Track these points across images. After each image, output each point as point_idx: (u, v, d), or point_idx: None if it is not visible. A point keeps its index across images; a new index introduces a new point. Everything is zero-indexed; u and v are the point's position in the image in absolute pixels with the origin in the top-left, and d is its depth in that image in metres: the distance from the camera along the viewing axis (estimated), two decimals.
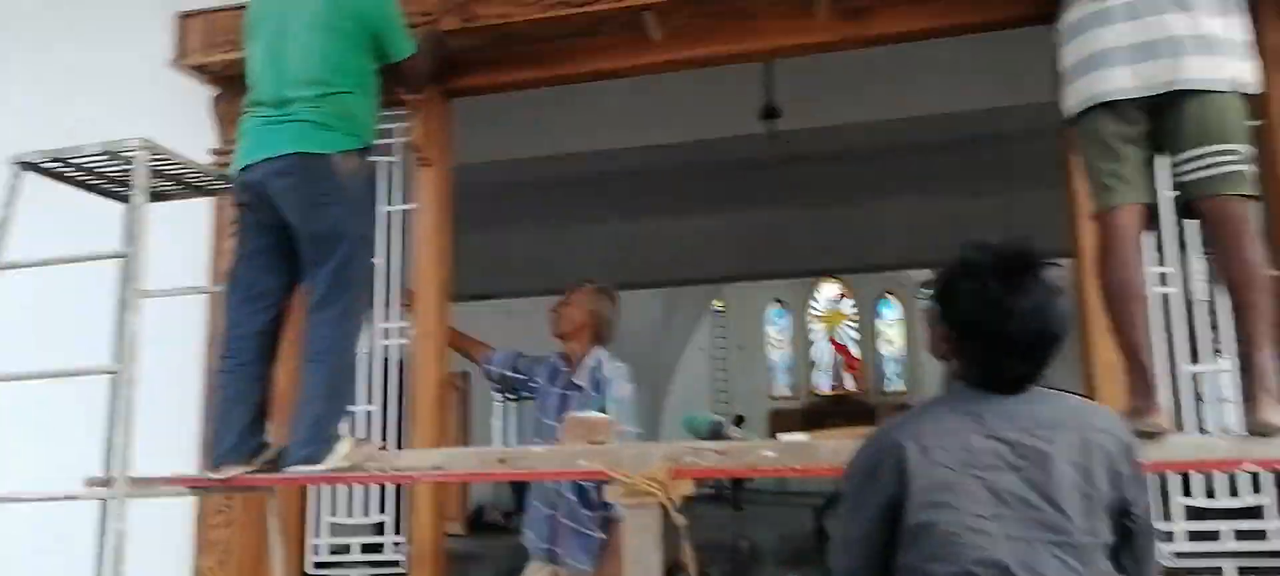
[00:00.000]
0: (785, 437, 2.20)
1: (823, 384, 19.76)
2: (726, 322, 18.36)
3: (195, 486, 2.42)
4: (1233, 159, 1.97)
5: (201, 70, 3.18)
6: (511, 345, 3.33)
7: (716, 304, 17.80)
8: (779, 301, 19.89)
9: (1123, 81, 2.00)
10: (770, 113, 5.32)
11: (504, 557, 8.34)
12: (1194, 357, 2.54)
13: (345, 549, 3.11)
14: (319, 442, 2.26)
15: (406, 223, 3.14)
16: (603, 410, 2.91)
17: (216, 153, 3.20)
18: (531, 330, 6.86)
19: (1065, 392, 1.59)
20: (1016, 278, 1.50)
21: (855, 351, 19.63)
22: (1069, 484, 1.44)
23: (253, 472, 2.31)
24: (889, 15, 2.80)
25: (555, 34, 2.94)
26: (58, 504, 2.30)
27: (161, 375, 2.52)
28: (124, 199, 2.61)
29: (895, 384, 19.26)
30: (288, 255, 2.39)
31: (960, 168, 7.29)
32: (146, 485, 2.26)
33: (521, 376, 3.22)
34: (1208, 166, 1.97)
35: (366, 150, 2.48)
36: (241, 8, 2.78)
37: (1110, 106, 2.02)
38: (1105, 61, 2.01)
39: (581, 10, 2.82)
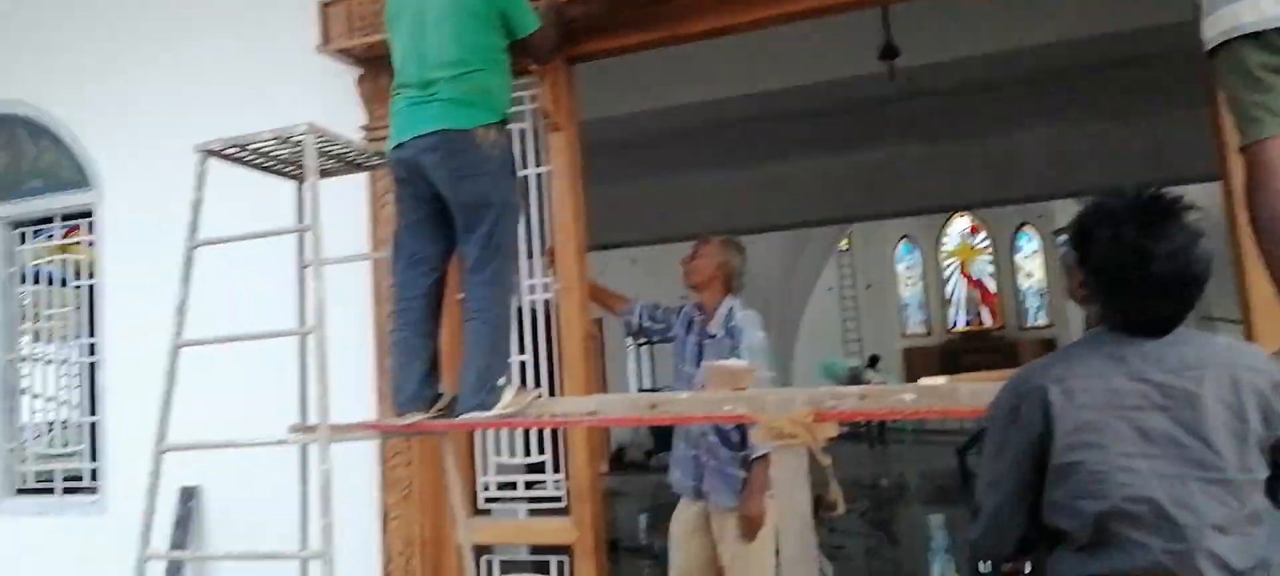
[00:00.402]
0: (925, 382, 2.27)
1: (958, 321, 19.24)
2: (853, 262, 18.07)
3: (383, 431, 2.73)
4: None
5: (345, 53, 3.45)
6: (638, 292, 3.52)
7: (842, 244, 17.52)
8: (907, 238, 19.41)
9: (1269, 9, 1.93)
10: (889, 52, 5.24)
11: (646, 493, 8.73)
12: None
13: (511, 486, 3.40)
14: (486, 392, 2.51)
15: (542, 184, 3.34)
16: (737, 357, 3.06)
17: (365, 128, 3.48)
18: (655, 275, 7.09)
19: (1212, 333, 1.59)
20: (1155, 223, 1.50)
21: (991, 286, 18.98)
22: (1219, 422, 1.45)
23: (431, 419, 2.59)
24: None
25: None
26: (256, 449, 2.65)
27: (334, 334, 2.81)
28: (292, 177, 2.93)
29: (1037, 318, 18.55)
30: (444, 222, 2.63)
31: (1098, 93, 6.94)
32: (343, 431, 2.57)
33: (660, 326, 3.39)
34: None
35: (505, 122, 2.68)
36: None
37: (1255, 36, 1.95)
38: None
39: None
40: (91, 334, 4.08)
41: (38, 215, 4.14)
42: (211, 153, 2.63)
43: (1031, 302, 18.70)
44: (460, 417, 2.52)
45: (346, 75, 3.52)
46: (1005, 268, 18.82)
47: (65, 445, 4.10)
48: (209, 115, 3.66)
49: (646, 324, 3.41)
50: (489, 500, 3.42)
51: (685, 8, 3.10)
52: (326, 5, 3.47)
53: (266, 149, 2.68)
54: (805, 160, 8.30)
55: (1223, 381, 1.49)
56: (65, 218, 4.09)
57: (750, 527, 3.03)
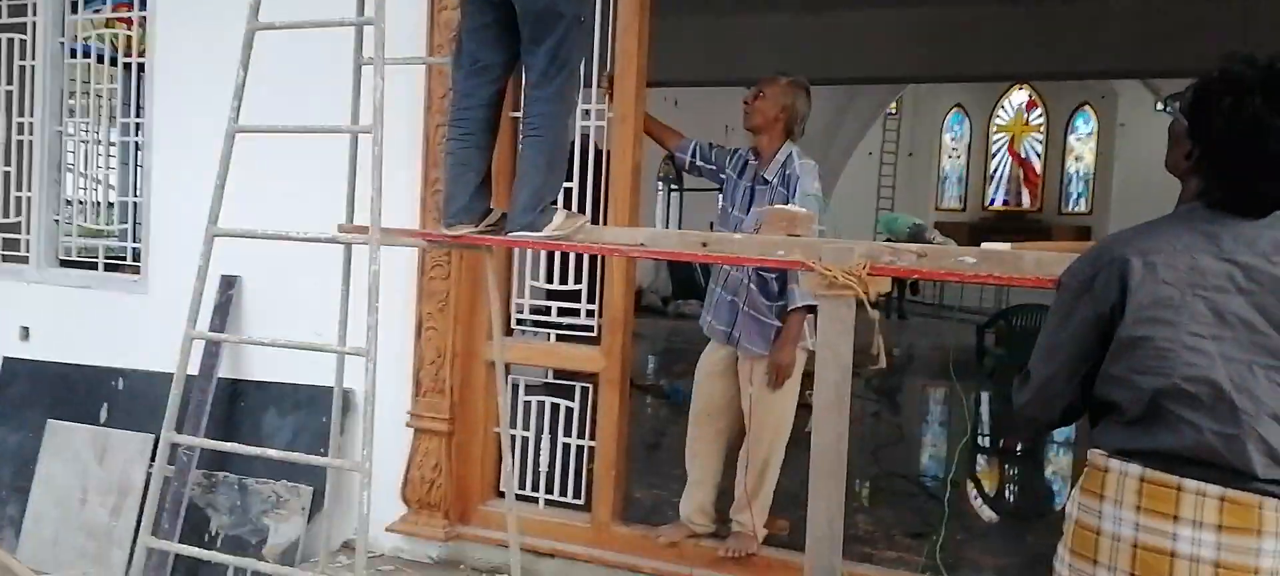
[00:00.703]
0: (987, 246, 2.20)
1: (996, 199, 18.88)
2: (900, 128, 17.57)
3: (431, 240, 2.71)
4: None
5: None
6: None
7: (891, 107, 17.01)
8: (959, 108, 18.81)
9: None
10: None
11: (660, 337, 8.83)
12: None
13: (545, 310, 3.42)
14: (538, 211, 2.46)
15: (607, 6, 3.18)
16: (791, 205, 2.98)
17: None
18: (700, 120, 6.90)
19: None
20: None
21: (1037, 167, 18.51)
22: None
23: (480, 233, 2.55)
24: None
25: None
26: (296, 246, 2.65)
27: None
28: None
29: (1077, 204, 18.17)
30: (510, 30, 2.48)
31: None
32: (392, 235, 2.55)
33: (712, 165, 3.30)
34: None
35: None
36: None
37: None
38: None
39: None
40: (135, 115, 4.05)
41: None
42: None
43: (1075, 188, 18.27)
44: (510, 234, 2.48)
45: None
46: (1055, 148, 18.29)
47: (108, 223, 4.14)
48: None
49: (698, 162, 3.31)
50: (519, 322, 3.45)
51: None
52: None
53: None
54: (869, 10, 7.93)
55: None
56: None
57: (779, 375, 3.04)
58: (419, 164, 3.37)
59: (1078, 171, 18.23)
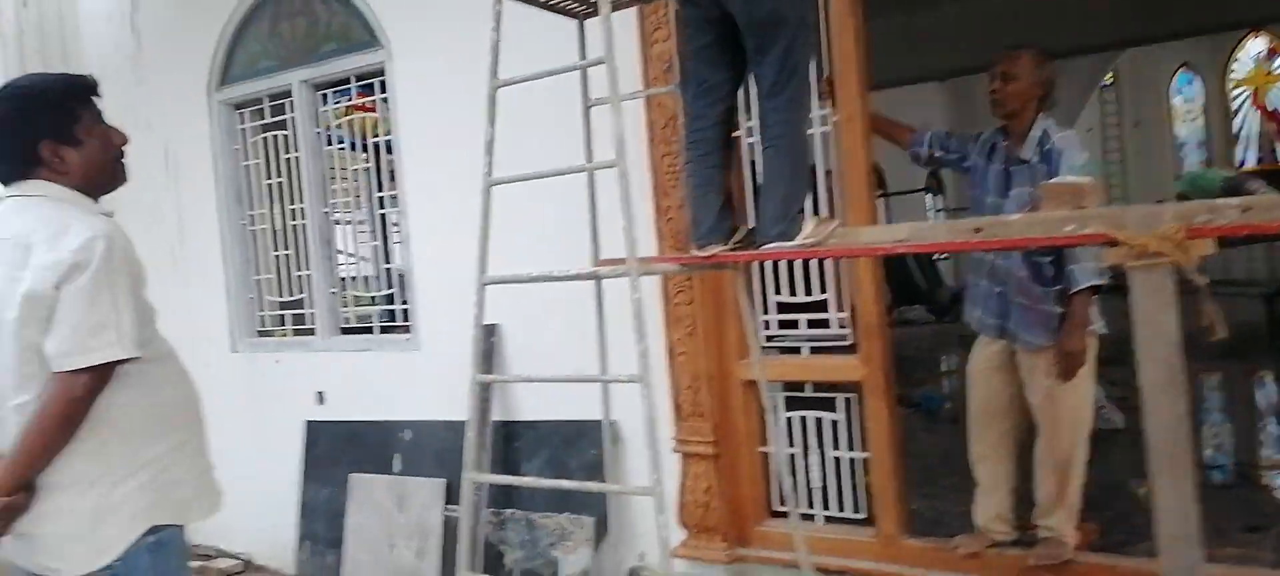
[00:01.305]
0: None
1: (1247, 159, 16.82)
2: (1120, 98, 16.11)
3: (686, 263, 2.73)
4: None
5: None
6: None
7: (1107, 78, 15.63)
8: (1186, 67, 16.98)
9: None
10: None
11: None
12: None
13: (793, 324, 3.36)
14: (789, 220, 2.41)
15: (823, 7, 3.11)
16: None
17: None
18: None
19: None
20: None
21: None
22: None
23: (731, 250, 2.54)
24: None
25: None
26: (546, 289, 2.68)
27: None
28: (573, 15, 2.87)
29: None
30: (733, 47, 2.47)
31: None
32: (649, 263, 2.59)
33: (954, 155, 3.13)
34: None
35: None
36: None
37: None
38: None
39: None
40: (381, 189, 4.42)
41: (334, 77, 4.44)
42: None
43: None
44: (764, 248, 2.45)
45: None
46: None
47: (374, 293, 4.53)
48: None
49: (938, 154, 3.15)
50: (769, 338, 3.41)
51: None
52: None
53: None
54: None
55: None
56: (359, 78, 4.37)
57: (1070, 364, 2.80)
58: (650, 194, 3.42)
59: None
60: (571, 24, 2.86)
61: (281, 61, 4.52)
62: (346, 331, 4.58)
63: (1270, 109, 16.63)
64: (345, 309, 4.61)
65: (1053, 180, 2.30)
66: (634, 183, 3.31)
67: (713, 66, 2.53)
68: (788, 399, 3.40)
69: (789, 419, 3.35)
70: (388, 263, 4.53)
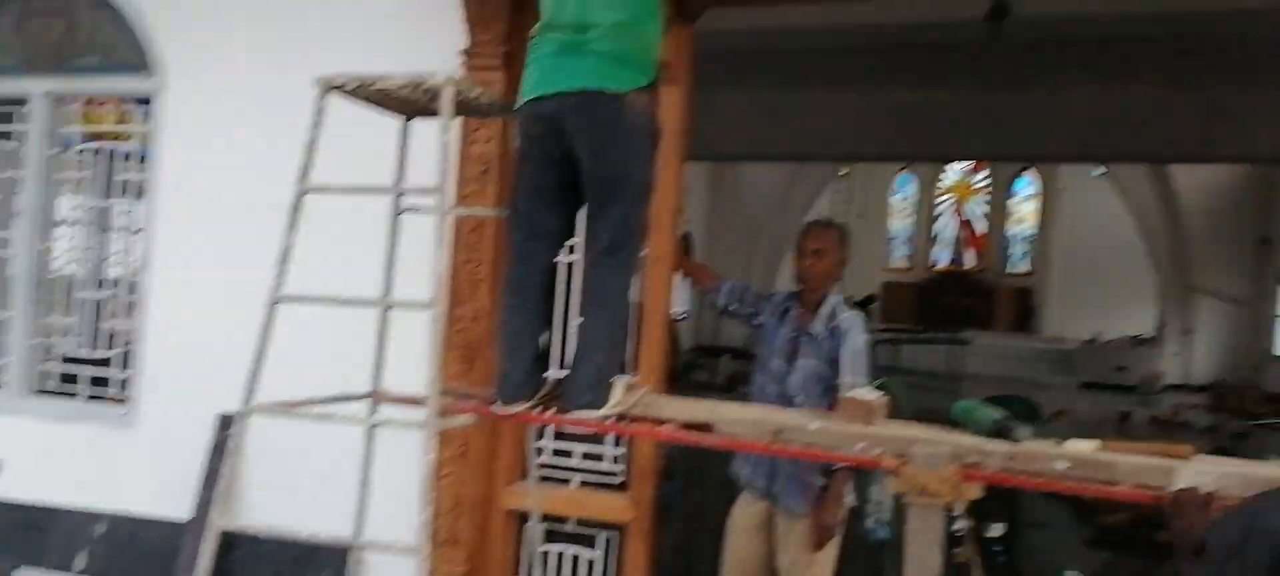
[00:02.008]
0: (1076, 446, 2.14)
1: (941, 260, 19.33)
2: (850, 189, 17.89)
3: (488, 418, 2.55)
4: None
5: None
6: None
7: (842, 170, 17.32)
8: (907, 169, 19.24)
9: None
10: (999, 11, 5.03)
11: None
12: None
13: (566, 453, 3.28)
14: (599, 390, 2.31)
15: None
16: (835, 359, 2.92)
17: (465, 54, 3.18)
18: None
19: None
20: None
21: (981, 227, 19.03)
22: None
23: (536, 409, 2.39)
24: None
25: None
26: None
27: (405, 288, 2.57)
28: (400, 112, 2.62)
29: (1020, 264, 18.72)
30: (572, 192, 2.35)
31: (1153, 61, 6.76)
32: (451, 409, 2.38)
33: (748, 309, 3.22)
34: None
35: (655, 85, 2.36)
36: None
37: None
38: None
39: None
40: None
41: (86, 95, 3.79)
42: (334, 88, 2.32)
43: (1016, 249, 18.82)
44: (571, 415, 2.33)
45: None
46: (998, 210, 18.85)
47: (94, 349, 3.84)
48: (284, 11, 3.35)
49: (734, 306, 3.23)
50: (542, 466, 3.30)
51: None
52: None
53: (390, 89, 2.37)
54: (837, 90, 8.07)
55: None
56: (121, 102, 3.75)
57: (821, 536, 2.95)
58: (444, 298, 3.20)
59: (1019, 232, 18.79)
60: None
61: (23, 64, 3.78)
62: (47, 392, 3.86)
63: (965, 218, 19.27)
64: (46, 364, 3.86)
65: (848, 392, 2.40)
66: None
67: (548, 211, 2.37)
68: (547, 531, 3.29)
69: (546, 551, 3.25)
70: (112, 320, 3.88)
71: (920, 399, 11.35)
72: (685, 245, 3.07)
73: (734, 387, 10.33)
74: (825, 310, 3.01)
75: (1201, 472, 1.90)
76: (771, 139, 8.93)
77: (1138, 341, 15.33)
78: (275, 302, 2.32)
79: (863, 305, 14.89)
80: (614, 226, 2.27)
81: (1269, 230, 13.60)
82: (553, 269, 2.44)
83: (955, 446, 2.12)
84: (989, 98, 7.67)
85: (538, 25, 2.37)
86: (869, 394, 2.34)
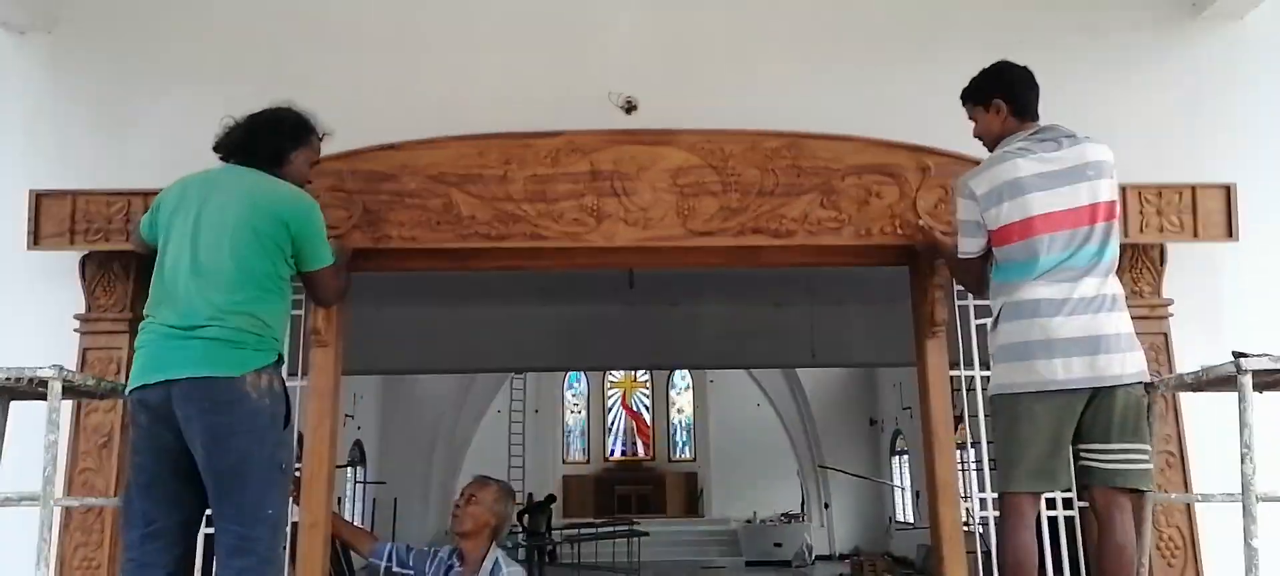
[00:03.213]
0: None
1: (615, 450, 20.20)
2: (525, 387, 18.31)
3: None
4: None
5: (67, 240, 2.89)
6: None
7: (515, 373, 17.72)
8: (576, 367, 20.13)
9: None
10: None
11: None
12: None
13: None
14: None
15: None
16: None
17: (80, 318, 2.92)
18: None
19: None
20: None
21: (647, 418, 20.26)
22: None
23: None
24: None
25: (464, 253, 3.04)
26: None
27: None
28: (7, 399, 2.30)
29: (683, 452, 20.08)
30: (191, 480, 2.15)
31: (766, 287, 7.90)
32: None
33: (411, 570, 3.13)
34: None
35: (280, 360, 2.30)
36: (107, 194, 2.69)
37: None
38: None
39: (496, 243, 2.95)
40: None
41: None
42: None
43: (680, 436, 20.23)
44: None
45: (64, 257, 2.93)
46: (660, 401, 20.24)
47: None
48: None
49: (396, 568, 3.11)
50: None
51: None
52: (40, 197, 2.89)
53: None
54: (506, 305, 8.43)
55: None
56: None
57: None
58: None
59: (680, 421, 20.28)
60: None
61: None
62: None
63: (634, 409, 20.46)
64: None
65: None
66: None
67: (166, 504, 2.16)
68: None
69: None
70: None
71: None
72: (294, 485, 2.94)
73: None
74: (487, 565, 3.02)
75: None
76: (443, 353, 9.02)
77: (788, 517, 16.96)
78: None
79: (543, 505, 15.03)
80: (242, 521, 2.12)
81: (875, 413, 15.97)
82: (181, 568, 2.21)
83: None
84: (638, 313, 8.43)
85: (146, 306, 2.25)
86: None
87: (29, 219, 2.86)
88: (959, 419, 3.16)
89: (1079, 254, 2.30)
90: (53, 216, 2.87)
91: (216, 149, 2.38)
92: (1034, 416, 2.28)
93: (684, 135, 3.01)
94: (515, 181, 2.95)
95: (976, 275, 2.54)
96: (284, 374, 2.34)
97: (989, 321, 2.46)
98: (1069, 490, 2.57)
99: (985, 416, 2.89)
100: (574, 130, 3.01)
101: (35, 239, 2.87)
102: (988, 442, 2.89)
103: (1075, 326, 2.26)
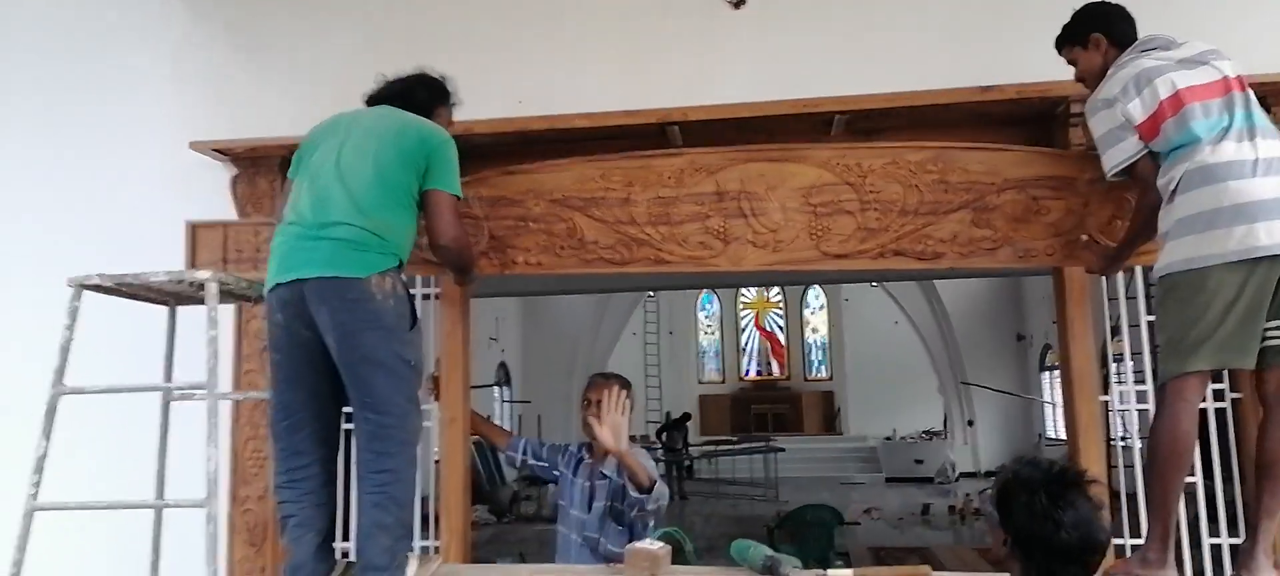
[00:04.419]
0: (838, 574, 2.35)
1: (750, 370, 20.26)
2: (658, 310, 18.57)
3: None
4: None
5: (222, 151, 3.13)
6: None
7: (650, 290, 17.99)
8: (708, 288, 20.22)
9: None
10: None
11: None
12: None
13: None
14: (391, 570, 2.30)
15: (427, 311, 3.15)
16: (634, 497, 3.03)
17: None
18: None
19: None
20: (1063, 492, 1.71)
21: (781, 338, 20.17)
22: None
23: None
24: None
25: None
26: None
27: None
28: (165, 303, 2.58)
29: (819, 371, 19.92)
30: (329, 373, 2.31)
31: None
32: None
33: (544, 464, 3.29)
34: None
35: (401, 266, 2.40)
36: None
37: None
38: None
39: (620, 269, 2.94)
40: None
41: None
42: (88, 287, 2.26)
43: (815, 356, 20.06)
44: None
45: (217, 168, 3.18)
46: (794, 321, 20.08)
47: None
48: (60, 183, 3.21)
49: (530, 460, 3.29)
50: None
51: None
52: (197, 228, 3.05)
53: (151, 282, 2.32)
54: None
55: None
56: None
57: None
58: (227, 482, 3.07)
59: (815, 341, 20.08)
60: None
61: None
62: None
63: (767, 330, 20.40)
64: None
65: (636, 544, 2.50)
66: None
67: (307, 395, 2.33)
68: None
69: None
70: None
71: (743, 508, 11.79)
72: (433, 384, 3.10)
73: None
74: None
75: None
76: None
77: (929, 435, 16.64)
78: (30, 512, 2.18)
79: (680, 422, 15.36)
80: (376, 409, 2.26)
81: (1023, 328, 15.29)
82: (327, 456, 2.39)
83: None
84: None
85: (285, 214, 2.40)
86: (654, 545, 2.48)
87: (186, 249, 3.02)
88: (1114, 329, 2.99)
89: (1236, 118, 2.15)
90: (207, 245, 3.02)
91: (370, 101, 2.57)
92: (1225, 289, 2.07)
93: (816, 150, 2.84)
94: (638, 204, 2.87)
95: (1146, 179, 2.33)
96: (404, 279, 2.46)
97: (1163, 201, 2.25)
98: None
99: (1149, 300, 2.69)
100: (697, 149, 2.92)
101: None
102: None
103: (1271, 187, 2.07)
